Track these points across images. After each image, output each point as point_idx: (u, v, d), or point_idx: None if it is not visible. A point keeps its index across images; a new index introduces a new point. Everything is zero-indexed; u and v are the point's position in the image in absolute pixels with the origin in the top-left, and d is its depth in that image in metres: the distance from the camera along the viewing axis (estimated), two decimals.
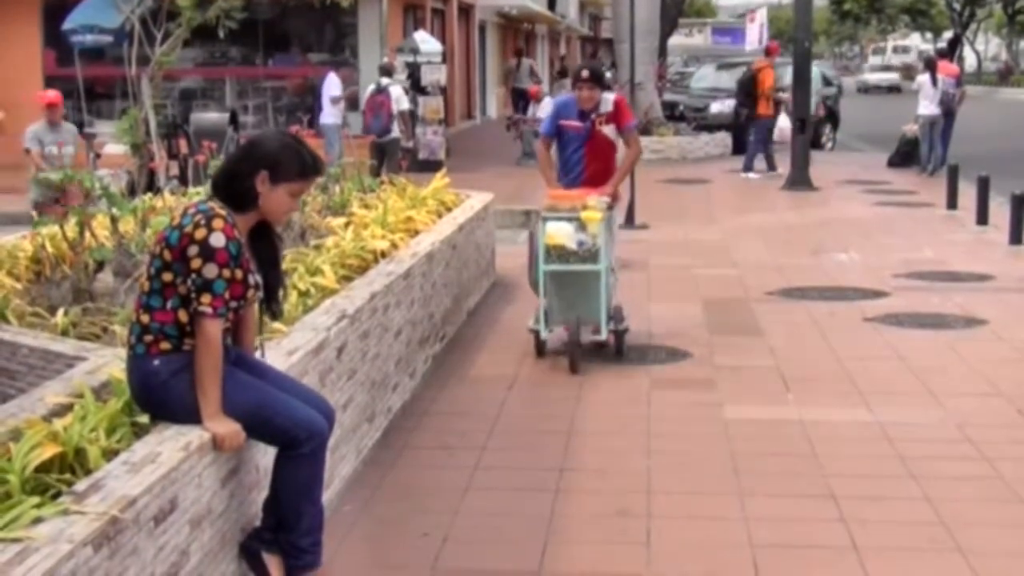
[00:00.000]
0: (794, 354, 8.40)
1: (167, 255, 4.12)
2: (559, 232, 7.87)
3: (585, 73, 8.38)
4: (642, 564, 5.00)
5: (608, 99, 8.43)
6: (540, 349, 8.33)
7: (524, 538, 5.24)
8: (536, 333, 8.30)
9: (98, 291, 6.66)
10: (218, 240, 4.07)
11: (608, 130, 8.43)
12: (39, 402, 4.58)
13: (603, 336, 8.11)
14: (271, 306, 4.50)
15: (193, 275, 4.07)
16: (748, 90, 20.32)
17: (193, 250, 4.07)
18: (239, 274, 4.14)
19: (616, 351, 8.27)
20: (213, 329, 4.08)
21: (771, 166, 20.31)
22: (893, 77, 70.82)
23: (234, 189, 4.24)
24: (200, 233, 4.07)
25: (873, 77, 72.90)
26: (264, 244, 4.41)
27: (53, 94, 12.13)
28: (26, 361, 5.68)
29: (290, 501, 4.33)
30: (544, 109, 18.52)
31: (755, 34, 22.59)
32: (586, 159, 8.46)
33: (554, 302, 8.18)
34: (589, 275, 7.98)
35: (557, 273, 8.04)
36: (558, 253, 7.90)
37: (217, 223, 4.10)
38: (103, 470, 3.69)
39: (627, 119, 8.51)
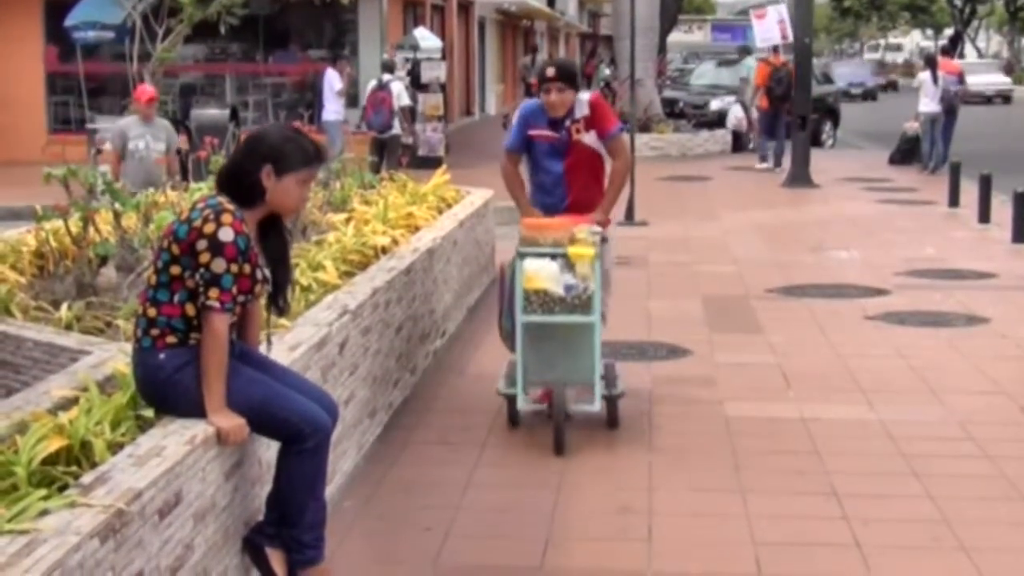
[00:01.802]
0: (795, 351, 8.41)
1: (175, 249, 4.13)
2: (541, 273, 6.23)
3: (551, 71, 6.64)
4: (643, 561, 5.01)
5: (582, 100, 6.73)
6: (514, 419, 6.68)
7: (526, 534, 5.24)
8: (510, 399, 6.63)
9: (101, 286, 6.66)
10: (227, 235, 4.08)
11: (589, 139, 6.76)
12: (44, 395, 4.58)
13: (596, 406, 6.47)
14: (278, 302, 4.51)
15: (201, 269, 4.08)
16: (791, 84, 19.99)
17: (202, 244, 4.08)
18: (247, 268, 4.15)
19: (609, 422, 6.65)
20: (220, 324, 4.09)
21: (778, 161, 20.53)
22: (1000, 81, 52.08)
23: (240, 185, 4.24)
24: (209, 227, 4.08)
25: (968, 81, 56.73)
26: (273, 239, 4.41)
27: (151, 88, 11.91)
28: (31, 355, 5.68)
29: (293, 496, 4.33)
30: None
31: (774, 31, 22.36)
32: (567, 177, 6.81)
33: (532, 360, 6.48)
34: (578, 328, 6.34)
35: (538, 325, 6.45)
36: (540, 300, 6.24)
37: (226, 218, 4.11)
38: (109, 463, 3.70)
39: (609, 123, 6.81)
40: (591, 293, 6.25)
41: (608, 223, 6.86)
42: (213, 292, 4.08)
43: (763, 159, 21.06)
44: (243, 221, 4.16)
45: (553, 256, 6.28)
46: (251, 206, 4.26)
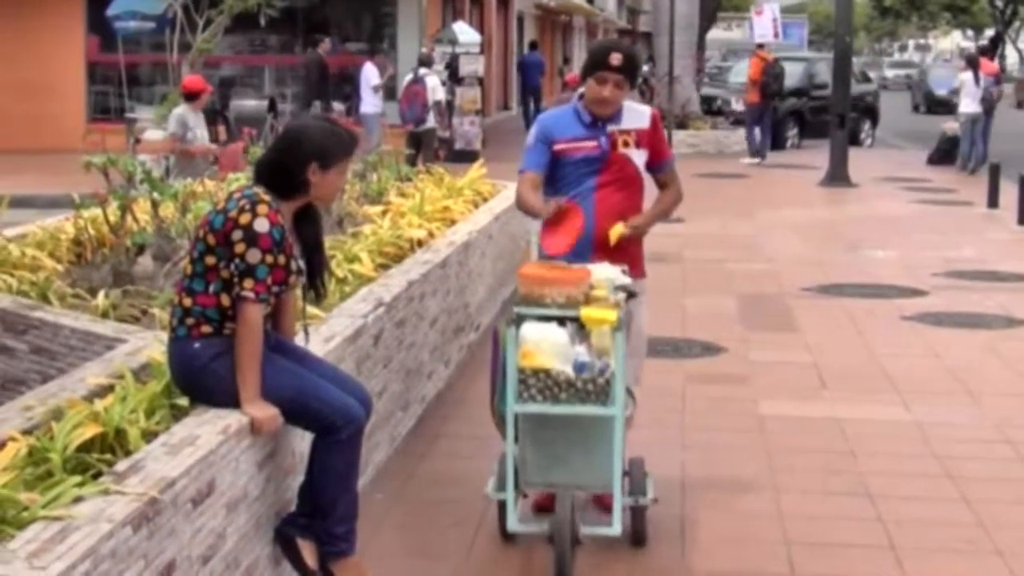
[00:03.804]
0: (830, 351, 8.35)
1: (211, 239, 4.14)
2: (543, 345, 4.53)
3: (617, 58, 5.06)
4: (675, 558, 4.99)
5: (641, 111, 5.31)
6: (507, 531, 5.00)
7: None
8: (502, 507, 4.97)
9: (138, 274, 6.71)
10: (262, 225, 4.09)
11: (638, 157, 5.22)
12: (80, 383, 4.61)
13: (615, 529, 4.80)
14: (315, 286, 4.52)
15: (236, 260, 4.09)
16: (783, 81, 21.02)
17: (237, 235, 4.09)
18: (282, 259, 4.17)
19: (633, 539, 5.03)
20: (254, 314, 4.10)
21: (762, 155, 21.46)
22: None
23: (284, 181, 4.25)
24: (244, 218, 4.09)
25: None
26: (308, 225, 4.43)
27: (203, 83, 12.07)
28: (67, 342, 5.72)
29: (325, 488, 4.33)
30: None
31: (768, 28, 22.87)
32: (597, 195, 5.16)
33: (532, 454, 4.82)
34: (593, 421, 4.66)
35: (539, 415, 4.70)
36: (540, 383, 4.54)
37: (261, 208, 4.12)
38: (143, 451, 3.72)
39: (667, 150, 5.48)
40: (612, 374, 4.53)
41: (641, 269, 5.35)
42: (248, 283, 4.09)
43: (754, 154, 21.48)
44: (278, 212, 4.17)
45: (561, 319, 4.59)
46: (291, 198, 4.27)
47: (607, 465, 4.72)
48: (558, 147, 5.18)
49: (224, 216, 4.14)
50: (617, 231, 5.06)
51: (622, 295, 4.76)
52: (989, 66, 20.82)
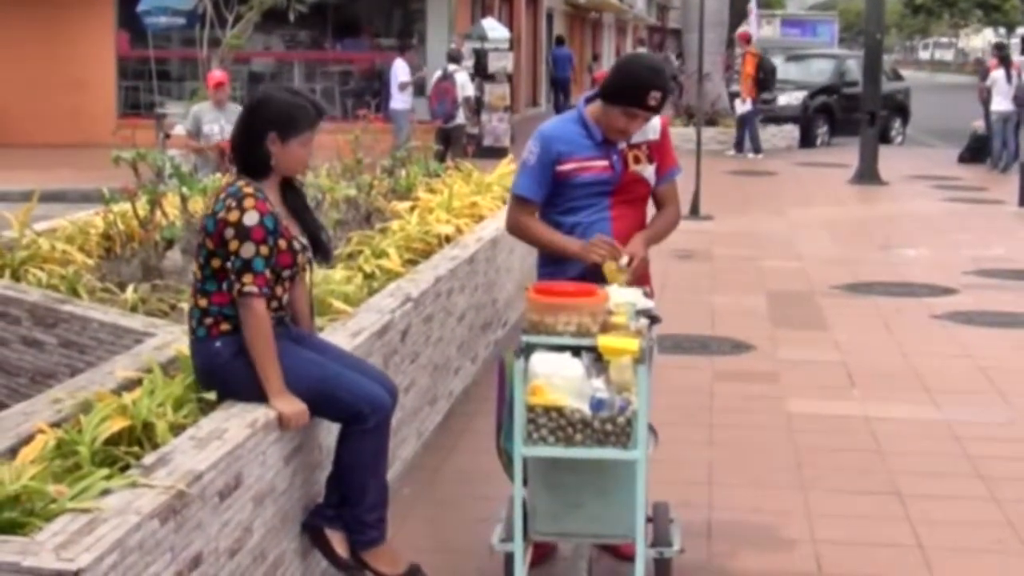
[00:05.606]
0: (860, 349, 8.31)
1: (209, 243, 4.14)
2: (554, 379, 3.98)
3: (656, 98, 4.46)
4: (702, 556, 4.96)
5: (650, 122, 4.65)
6: None
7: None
8: (508, 559, 4.35)
9: (167, 268, 6.73)
10: (252, 218, 4.08)
11: (649, 173, 4.70)
12: (109, 376, 4.63)
13: None
14: (318, 252, 4.48)
15: (232, 257, 4.08)
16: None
17: (229, 233, 4.08)
18: (283, 244, 4.16)
19: None
20: (259, 307, 4.09)
21: (757, 148, 21.85)
22: None
23: (249, 156, 4.22)
24: (233, 216, 4.08)
25: None
26: (291, 197, 4.39)
27: (220, 74, 12.06)
28: (96, 335, 5.75)
29: (355, 476, 4.33)
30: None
31: (754, 23, 23.00)
32: (614, 222, 4.64)
33: (543, 500, 4.30)
34: (613, 465, 4.13)
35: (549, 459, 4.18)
36: (553, 424, 4.00)
37: (248, 202, 4.10)
38: (170, 444, 3.73)
39: (674, 158, 4.82)
40: (634, 412, 3.96)
41: (649, 280, 4.72)
42: (247, 277, 4.08)
43: (757, 150, 21.76)
44: (266, 200, 4.16)
45: (575, 349, 4.04)
46: (264, 176, 4.23)
47: (628, 512, 4.18)
48: (563, 168, 4.61)
49: (214, 218, 4.14)
50: (621, 276, 4.44)
51: (644, 321, 4.18)
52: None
